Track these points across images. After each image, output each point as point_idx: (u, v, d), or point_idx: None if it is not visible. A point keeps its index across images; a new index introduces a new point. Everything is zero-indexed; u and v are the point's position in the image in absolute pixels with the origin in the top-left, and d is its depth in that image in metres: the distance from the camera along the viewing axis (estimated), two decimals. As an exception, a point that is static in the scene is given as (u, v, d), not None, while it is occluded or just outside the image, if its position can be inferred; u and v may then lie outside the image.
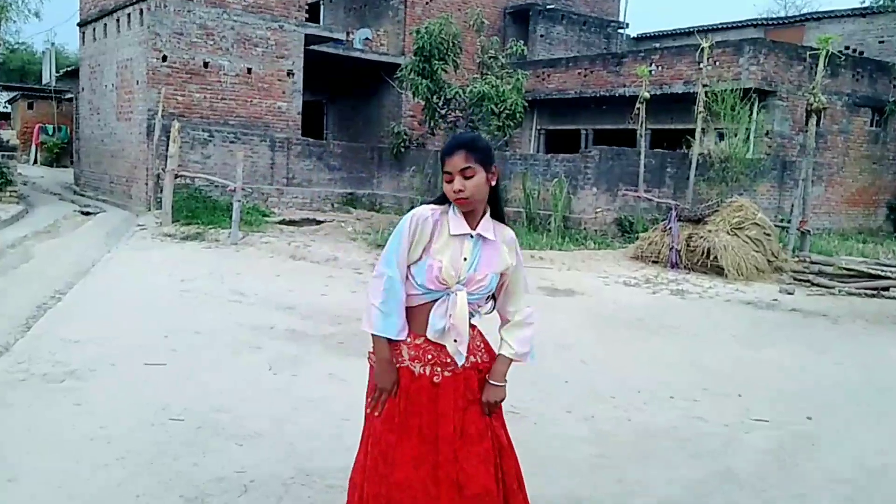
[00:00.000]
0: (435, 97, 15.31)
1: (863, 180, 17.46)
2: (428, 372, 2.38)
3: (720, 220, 10.62)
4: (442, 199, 2.45)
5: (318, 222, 13.98)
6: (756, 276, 10.02)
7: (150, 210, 14.14)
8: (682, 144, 14.65)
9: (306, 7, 16.43)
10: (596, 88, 17.77)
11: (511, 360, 2.49)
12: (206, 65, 15.14)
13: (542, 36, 21.35)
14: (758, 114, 14.68)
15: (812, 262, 10.01)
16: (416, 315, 2.40)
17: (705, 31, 22.22)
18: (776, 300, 8.78)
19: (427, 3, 19.24)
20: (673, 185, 14.28)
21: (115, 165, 16.76)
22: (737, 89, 13.75)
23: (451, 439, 2.36)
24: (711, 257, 10.18)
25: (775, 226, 11.34)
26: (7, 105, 31.21)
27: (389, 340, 2.37)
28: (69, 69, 22.85)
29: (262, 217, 13.70)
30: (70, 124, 25.75)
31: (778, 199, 15.47)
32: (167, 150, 12.98)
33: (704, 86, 13.49)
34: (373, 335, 2.38)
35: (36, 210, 14.78)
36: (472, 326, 2.47)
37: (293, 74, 16.21)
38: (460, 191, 2.34)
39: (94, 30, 17.85)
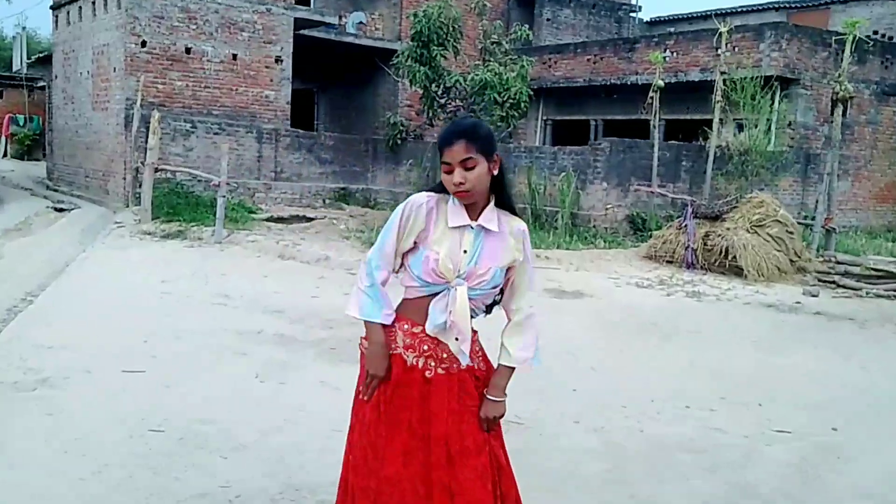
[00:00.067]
0: (433, 85, 15.30)
1: (892, 174, 17.46)
2: (421, 364, 2.38)
3: (739, 217, 10.62)
4: (440, 187, 2.44)
5: (309, 219, 13.98)
6: (778, 276, 10.02)
7: (128, 206, 14.14)
8: (698, 136, 14.65)
9: (296, -11, 16.45)
10: (606, 76, 17.77)
11: (511, 369, 2.46)
12: (188, 51, 15.13)
13: (548, 20, 21.35)
14: (780, 103, 14.68)
15: (838, 262, 10.01)
16: (416, 306, 2.41)
17: (723, 14, 22.21)
18: (799, 303, 8.78)
19: (425, -16, 19.25)
20: (689, 179, 14.29)
21: (91, 158, 16.75)
22: (757, 77, 13.74)
23: (444, 442, 2.35)
24: (730, 257, 10.19)
25: (798, 223, 11.34)
26: (-25, 94, 31.20)
27: (384, 326, 2.41)
28: (41, 55, 22.83)
29: (248, 214, 13.70)
30: (42, 114, 25.76)
31: (801, 195, 15.47)
32: (146, 142, 12.98)
33: (722, 73, 13.49)
34: (365, 322, 2.42)
35: (6, 206, 14.79)
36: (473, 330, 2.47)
37: (282, 61, 16.21)
38: (461, 183, 2.33)
39: (67, 13, 17.84)
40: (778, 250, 10.29)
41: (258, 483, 3.50)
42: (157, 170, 12.72)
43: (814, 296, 9.13)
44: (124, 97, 14.63)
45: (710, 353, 6.49)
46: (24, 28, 32.90)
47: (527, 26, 17.23)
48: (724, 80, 13.49)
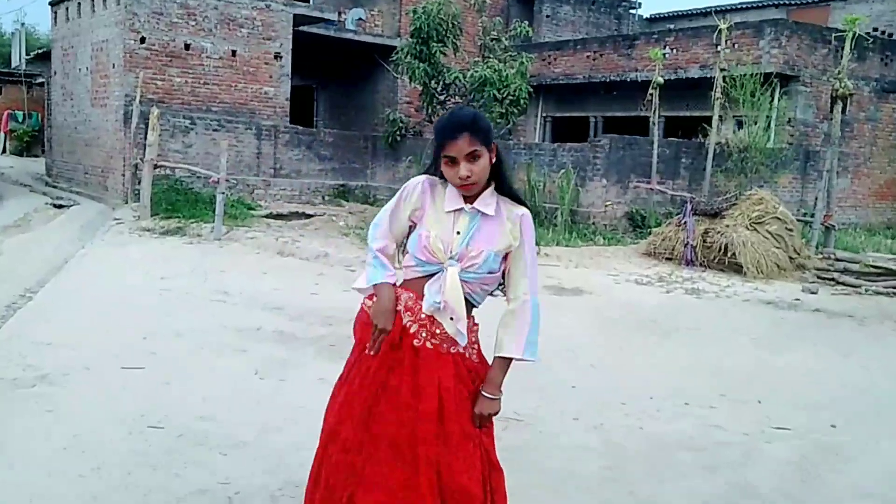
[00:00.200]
0: (433, 82, 15.27)
1: (892, 171, 17.46)
2: (413, 329, 2.39)
3: (739, 214, 10.62)
4: (435, 172, 2.47)
5: (308, 216, 13.97)
6: (777, 274, 10.02)
7: (127, 203, 14.13)
8: (698, 133, 14.64)
9: (295, -15, 16.42)
10: (606, 73, 17.76)
11: (504, 361, 2.44)
12: (187, 47, 15.11)
13: (548, 16, 21.33)
14: (779, 100, 14.67)
15: (837, 260, 10.01)
16: (413, 287, 2.44)
17: (723, 11, 22.21)
18: (798, 300, 8.78)
19: (425, -20, 19.19)
20: (688, 176, 14.28)
21: (90, 155, 16.74)
22: (757, 74, 13.73)
23: (434, 418, 2.34)
24: (729, 254, 10.19)
25: (798, 220, 11.33)
26: (-27, 90, 31.15)
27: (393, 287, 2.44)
28: (40, 51, 22.78)
29: (247, 210, 13.69)
30: (41, 111, 25.71)
31: (801, 192, 15.48)
32: (145, 138, 12.95)
33: (722, 70, 13.47)
34: (374, 285, 2.45)
35: (4, 203, 14.78)
36: (468, 316, 2.44)
37: (281, 57, 16.19)
38: (468, 177, 2.34)
39: (66, 9, 17.81)
40: (777, 247, 10.29)
41: (258, 480, 3.50)
42: (156, 166, 12.70)
43: (813, 293, 9.13)
44: (123, 93, 14.61)
45: (709, 350, 6.49)
46: (22, 24, 32.81)
47: (526, 23, 17.19)
48: (724, 77, 13.47)
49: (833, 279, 9.69)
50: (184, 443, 3.87)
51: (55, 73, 19.03)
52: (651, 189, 13.56)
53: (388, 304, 2.41)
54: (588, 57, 18.24)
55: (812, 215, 11.96)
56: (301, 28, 16.72)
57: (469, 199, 2.42)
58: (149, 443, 3.84)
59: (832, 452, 4.29)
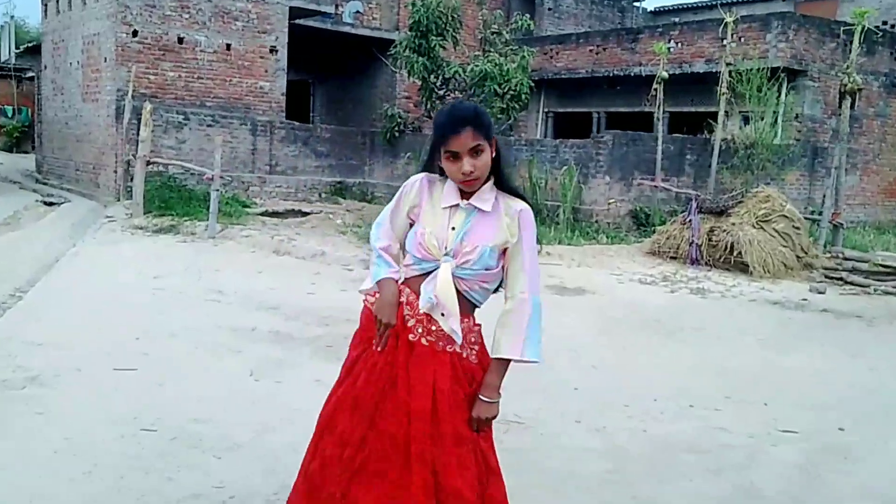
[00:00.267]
0: (432, 76, 15.27)
1: (901, 168, 17.48)
2: (411, 324, 2.41)
3: (745, 211, 10.63)
4: (432, 169, 2.49)
5: (304, 214, 13.97)
6: (784, 273, 10.03)
7: (119, 200, 14.13)
8: (703, 129, 14.63)
9: (291, -23, 16.40)
10: (609, 67, 17.75)
11: (501, 362, 2.42)
12: (180, 40, 15.11)
13: (550, 9, 21.31)
14: (787, 95, 14.68)
15: (845, 259, 10.02)
16: (413, 284, 2.46)
17: (729, 4, 22.19)
18: (806, 300, 8.79)
19: (424, -28, 19.18)
20: (693, 173, 14.28)
21: (81, 151, 16.74)
22: (764, 68, 13.73)
23: (427, 417, 2.34)
24: (735, 253, 10.19)
25: (805, 218, 11.35)
26: (-38, 84, 31.14)
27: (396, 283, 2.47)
28: (30, 45, 22.80)
29: (242, 208, 13.69)
30: (31, 106, 25.69)
31: (808, 189, 15.48)
32: (138, 134, 12.95)
33: (728, 64, 13.47)
34: (377, 282, 2.47)
35: (-6, 200, 14.77)
36: (466, 315, 2.43)
37: (277, 51, 16.18)
38: (471, 172, 2.35)
39: (57, 2, 17.80)
40: (784, 246, 10.29)
41: (253, 483, 3.50)
42: (148, 163, 12.71)
43: (821, 293, 9.13)
44: (115, 88, 14.61)
45: (714, 351, 6.50)
46: (12, 17, 32.77)
47: (528, 16, 17.18)
48: (730, 72, 13.48)
49: (841, 279, 9.69)
50: (177, 445, 3.87)
51: (45, 67, 19.02)
52: (655, 186, 13.56)
53: (390, 298, 2.42)
54: (591, 51, 18.23)
55: (820, 213, 11.97)
56: (297, 21, 16.72)
57: (466, 194, 2.43)
58: (142, 445, 3.85)
59: (839, 455, 4.30)
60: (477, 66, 14.67)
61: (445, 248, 2.40)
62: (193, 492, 3.39)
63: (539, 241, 2.54)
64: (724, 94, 13.37)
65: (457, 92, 15.63)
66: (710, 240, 10.55)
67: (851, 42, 11.70)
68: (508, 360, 2.43)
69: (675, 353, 6.36)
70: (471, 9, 17.00)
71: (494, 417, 2.44)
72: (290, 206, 14.86)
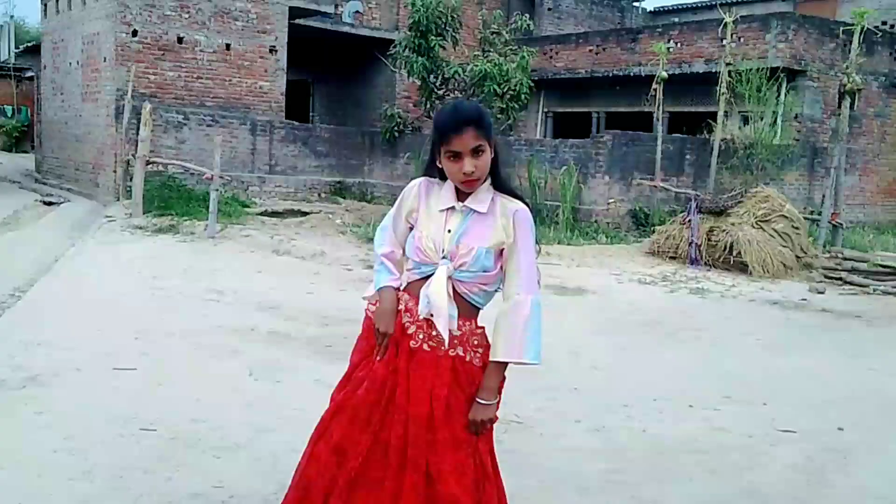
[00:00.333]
0: (432, 76, 15.27)
1: (901, 168, 17.48)
2: (412, 331, 2.40)
3: (744, 211, 10.63)
4: (432, 174, 2.48)
5: (304, 214, 13.97)
6: (783, 273, 10.03)
7: (118, 200, 14.11)
8: (702, 129, 14.64)
9: (291, -23, 16.39)
10: (609, 67, 17.75)
11: (499, 366, 2.40)
12: (180, 40, 15.10)
13: (549, 9, 21.31)
14: (786, 95, 14.68)
15: (845, 259, 10.02)
16: (414, 289, 2.45)
17: (729, 4, 22.15)
18: (805, 300, 8.80)
19: (423, -28, 19.17)
20: (693, 173, 14.28)
21: (81, 151, 16.72)
22: (763, 68, 13.74)
23: (424, 424, 2.34)
24: (735, 253, 10.20)
25: (805, 218, 11.35)
26: (-39, 84, 31.13)
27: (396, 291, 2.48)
28: (30, 45, 22.79)
29: (241, 208, 13.69)
30: (31, 105, 25.70)
31: (808, 189, 15.48)
32: (138, 134, 12.94)
33: (728, 64, 13.47)
34: (378, 290, 2.49)
35: (-7, 200, 14.76)
36: (468, 318, 2.42)
37: (276, 51, 16.18)
38: (472, 172, 2.34)
39: (56, 1, 17.79)
40: (784, 246, 10.30)
41: (252, 483, 3.50)
42: (148, 162, 12.70)
43: (820, 293, 9.14)
44: (115, 88, 14.59)
45: (713, 351, 6.50)
46: (11, 17, 32.86)
47: (527, 16, 17.17)
48: (730, 72, 13.47)
49: (841, 279, 9.69)
50: (176, 445, 3.87)
51: (45, 66, 19.01)
52: (655, 186, 13.56)
53: (389, 307, 2.43)
54: (590, 51, 18.24)
55: (819, 213, 11.98)
56: (297, 21, 16.71)
57: (462, 196, 2.43)
58: (140, 445, 3.84)
59: (839, 455, 4.29)
60: (477, 66, 14.66)
61: (442, 250, 2.39)
62: (192, 492, 3.39)
63: (538, 242, 2.51)
64: (723, 94, 13.36)
65: (456, 92, 15.62)
66: (709, 240, 10.55)
67: (851, 42, 11.71)
68: (505, 363, 2.41)
69: (675, 354, 6.35)
70: (470, 9, 17.00)
71: (492, 420, 2.43)
72: (289, 206, 14.85)
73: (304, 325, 6.52)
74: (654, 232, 11.64)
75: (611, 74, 17.68)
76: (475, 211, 2.40)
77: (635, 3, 23.71)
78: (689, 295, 8.89)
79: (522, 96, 14.81)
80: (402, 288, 2.49)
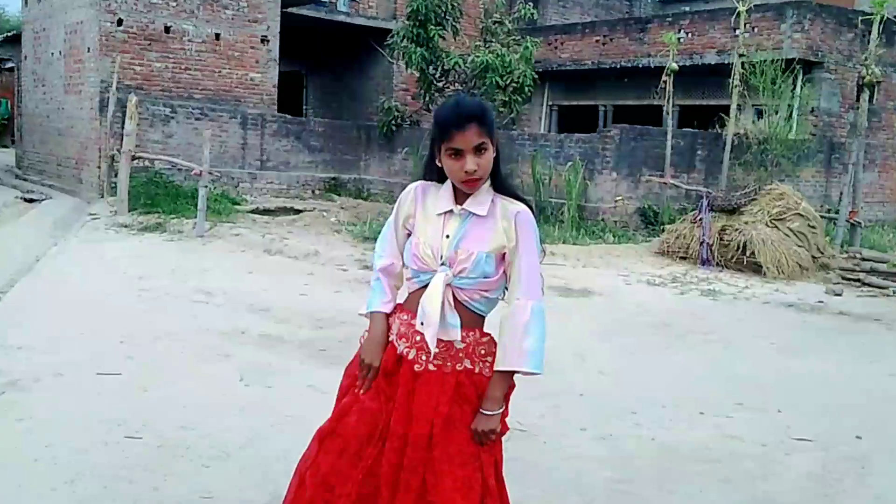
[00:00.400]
0: (431, 68, 15.27)
1: (922, 165, 17.49)
2: (412, 356, 2.38)
3: (758, 209, 10.64)
4: (430, 175, 2.47)
5: (297, 211, 13.99)
6: (799, 274, 10.04)
7: (103, 197, 14.14)
8: (714, 123, 14.66)
9: (283, -37, 16.41)
10: (616, 58, 17.77)
11: (502, 376, 2.38)
12: (167, 29, 15.11)
13: (554, -2, 21.32)
14: (802, 88, 14.69)
15: (863, 259, 10.03)
16: (414, 299, 2.43)
17: (742, -8, 22.19)
18: (822, 302, 8.80)
19: (422, -41, 19.19)
20: (704, 169, 14.29)
21: (64, 145, 16.73)
22: (778, 60, 13.75)
23: (424, 444, 2.33)
24: (748, 253, 10.21)
25: (821, 217, 11.36)
26: (-62, 75, 31.13)
27: (386, 316, 2.49)
28: (10, 34, 22.79)
29: (232, 205, 13.70)
30: (11, 98, 25.68)
31: (825, 187, 15.50)
32: (123, 127, 12.96)
33: (741, 56, 13.49)
34: (370, 314, 2.50)
35: (-28, 196, 14.76)
36: (471, 328, 2.40)
37: (268, 41, 16.19)
38: (474, 171, 2.32)
39: (38, -11, 17.80)
40: (799, 246, 10.30)
41: (242, 493, 3.50)
42: (134, 158, 12.71)
43: (837, 294, 9.14)
44: (99, 79, 14.60)
45: (725, 355, 6.50)
46: (-9, 5, 32.83)
47: (531, 5, 17.16)
48: (743, 63, 13.49)
49: (859, 280, 9.70)
50: (164, 453, 3.87)
51: (26, 57, 19.01)
52: (664, 183, 13.57)
53: (378, 338, 2.45)
54: (597, 41, 18.25)
55: (837, 211, 11.99)
56: (290, 9, 16.72)
57: (460, 199, 2.41)
58: (126, 453, 3.85)
59: (857, 464, 4.30)
60: (478, 57, 14.66)
61: (441, 257, 2.37)
62: (180, 501, 3.40)
63: (542, 243, 2.49)
64: (736, 86, 13.39)
65: (457, 84, 15.62)
66: (721, 239, 10.56)
67: (870, 32, 11.73)
68: (507, 373, 2.39)
69: (685, 358, 6.36)
70: (471, -3, 17.00)
71: (496, 430, 2.40)
72: (281, 204, 14.88)
73: (297, 327, 6.53)
74: (663, 231, 11.65)
75: (618, 66, 17.69)
76: (474, 214, 2.39)
77: (644, -9, 23.74)
78: (700, 297, 8.90)
79: (526, 89, 14.81)
80: (403, 301, 2.49)
